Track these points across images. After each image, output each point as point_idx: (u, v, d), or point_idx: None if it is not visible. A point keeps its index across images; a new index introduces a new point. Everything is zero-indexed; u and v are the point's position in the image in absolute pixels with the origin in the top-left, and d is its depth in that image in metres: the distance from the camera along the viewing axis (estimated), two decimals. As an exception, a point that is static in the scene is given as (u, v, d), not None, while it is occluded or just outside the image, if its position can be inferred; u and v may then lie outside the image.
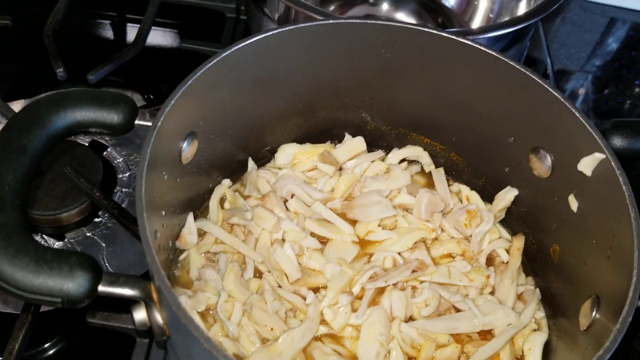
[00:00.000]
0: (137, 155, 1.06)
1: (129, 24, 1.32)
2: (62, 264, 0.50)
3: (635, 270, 0.53)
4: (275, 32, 0.67)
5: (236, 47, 0.65)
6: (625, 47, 1.37)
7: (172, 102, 0.60)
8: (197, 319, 0.63)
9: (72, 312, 0.85)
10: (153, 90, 1.19)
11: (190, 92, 0.62)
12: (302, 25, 0.68)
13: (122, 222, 0.91)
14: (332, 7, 1.13)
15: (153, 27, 1.15)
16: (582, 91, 1.31)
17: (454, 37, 0.71)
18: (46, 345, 0.84)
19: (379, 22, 0.70)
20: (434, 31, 0.71)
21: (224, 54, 0.65)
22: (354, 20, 0.69)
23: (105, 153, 1.06)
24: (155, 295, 0.53)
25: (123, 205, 0.95)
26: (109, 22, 1.32)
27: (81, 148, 1.04)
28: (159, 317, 0.54)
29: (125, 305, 0.83)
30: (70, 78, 1.09)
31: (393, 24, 0.70)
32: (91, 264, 0.51)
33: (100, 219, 0.98)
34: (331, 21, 0.69)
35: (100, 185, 0.96)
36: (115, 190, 1.02)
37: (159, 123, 0.58)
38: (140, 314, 0.54)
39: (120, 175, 1.04)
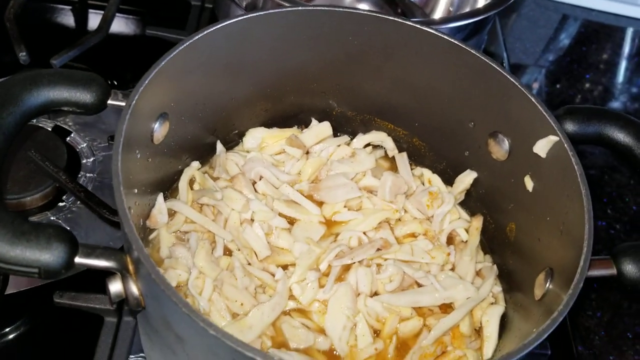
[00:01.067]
0: (100, 141, 1.06)
1: (90, 10, 1.32)
2: (40, 235, 0.51)
3: (586, 242, 0.57)
4: (245, 17, 0.69)
5: (207, 31, 0.67)
6: (577, 42, 1.44)
7: (146, 82, 0.61)
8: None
9: (38, 293, 0.85)
10: (117, 77, 1.19)
11: (162, 73, 0.64)
12: (272, 11, 0.70)
13: (89, 205, 0.92)
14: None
15: (117, 14, 1.16)
16: (535, 84, 1.37)
17: (418, 26, 0.74)
18: (12, 327, 0.84)
19: (347, 9, 0.72)
20: (399, 20, 0.75)
21: (196, 37, 0.66)
22: (323, 8, 0.71)
23: (68, 138, 1.06)
24: (131, 267, 0.54)
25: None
26: (70, 7, 1.31)
27: (44, 132, 1.04)
28: (134, 288, 0.55)
29: (93, 284, 0.85)
30: (32, 63, 1.09)
31: (360, 11, 0.73)
32: (68, 236, 0.53)
33: (64, 203, 0.98)
34: (300, 8, 0.71)
35: (65, 169, 0.97)
36: (80, 175, 1.02)
37: (133, 102, 0.60)
38: (115, 286, 0.55)
39: (84, 161, 1.04)
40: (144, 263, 0.49)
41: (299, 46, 0.76)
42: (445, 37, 0.73)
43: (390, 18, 0.74)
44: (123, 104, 0.64)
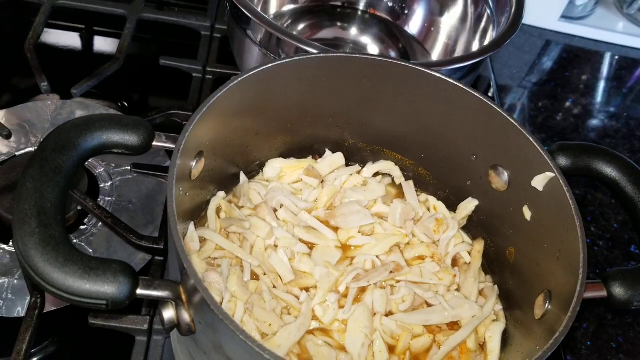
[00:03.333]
0: (116, 165, 1.12)
1: (96, 37, 1.38)
2: (107, 271, 0.58)
3: (581, 269, 0.65)
4: (274, 64, 0.76)
5: (241, 78, 0.74)
6: (560, 68, 1.53)
7: (190, 128, 0.68)
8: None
9: (67, 314, 0.91)
10: (127, 100, 1.25)
11: (202, 118, 0.70)
12: (297, 58, 0.77)
13: (116, 230, 0.97)
14: (302, 27, 1.23)
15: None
16: (519, 104, 1.46)
17: (425, 70, 0.82)
18: (45, 344, 0.90)
19: (364, 55, 0.80)
20: (407, 64, 0.82)
21: (232, 84, 0.73)
22: (343, 54, 0.79)
23: (86, 164, 1.12)
24: (184, 296, 0.61)
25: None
26: (78, 34, 1.37)
27: (66, 159, 1.10)
28: (186, 316, 0.62)
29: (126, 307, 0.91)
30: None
31: (375, 57, 0.80)
32: (131, 271, 0.59)
33: (86, 226, 1.04)
34: (323, 55, 0.78)
35: (87, 194, 1.02)
36: (99, 199, 1.08)
37: (182, 146, 0.66)
38: (169, 313, 0.62)
39: (102, 185, 1.10)
40: (201, 293, 0.56)
41: (318, 87, 0.83)
42: (449, 80, 0.81)
43: (400, 63, 0.82)
44: (166, 145, 0.71)
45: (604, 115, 1.49)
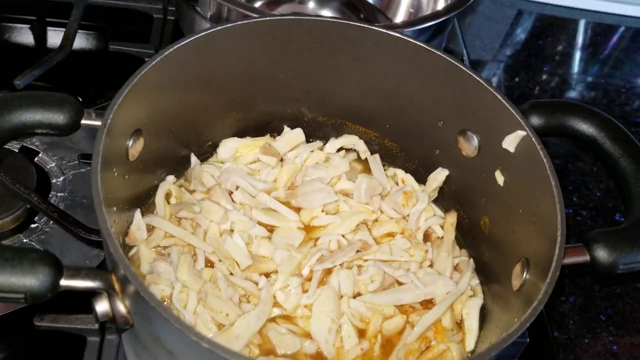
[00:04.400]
0: (69, 159, 1.05)
1: (49, 28, 1.30)
2: (23, 260, 0.51)
3: (559, 232, 0.59)
4: (213, 30, 0.70)
5: (177, 46, 0.67)
6: (533, 36, 1.48)
7: (119, 100, 0.61)
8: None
9: (17, 318, 0.84)
10: (81, 93, 1.18)
11: (135, 90, 0.64)
12: (240, 22, 0.71)
13: (64, 225, 0.91)
14: (258, 4, 1.17)
15: (78, 30, 1.15)
16: (495, 79, 1.40)
17: (383, 30, 0.76)
18: (-7, 354, 0.83)
19: (314, 17, 0.74)
20: (365, 25, 0.76)
21: (167, 52, 0.67)
22: (290, 17, 0.72)
23: (36, 159, 1.05)
24: (117, 286, 0.54)
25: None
26: (28, 26, 1.30)
27: (12, 155, 1.02)
28: (121, 307, 0.55)
29: (73, 306, 0.84)
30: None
31: (327, 19, 0.74)
32: (52, 259, 0.52)
33: (37, 224, 0.97)
34: (268, 18, 0.72)
35: (35, 190, 0.95)
36: (51, 195, 1.01)
37: (109, 121, 0.60)
38: (102, 306, 0.55)
39: (54, 180, 1.03)
40: (131, 282, 0.49)
41: (268, 55, 0.77)
42: (410, 39, 0.75)
43: (356, 24, 0.76)
44: (97, 123, 0.64)
45: (582, 84, 1.44)
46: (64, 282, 0.53)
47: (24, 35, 1.28)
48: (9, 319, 0.84)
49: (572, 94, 1.41)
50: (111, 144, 0.62)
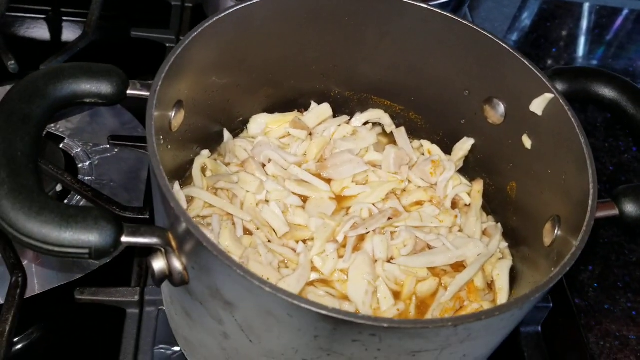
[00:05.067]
0: (94, 144, 1.07)
1: (64, 18, 1.33)
2: (87, 217, 0.53)
3: (591, 185, 0.62)
4: (249, 3, 0.72)
5: (216, 17, 0.70)
6: (541, 19, 1.51)
7: (165, 71, 0.63)
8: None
9: (58, 295, 0.86)
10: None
11: (177, 63, 0.66)
12: (274, -5, 0.73)
13: (98, 203, 0.93)
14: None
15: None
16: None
17: (412, 2, 0.78)
18: (34, 328, 0.85)
19: (344, -10, 0.76)
20: (391, -2, 0.79)
21: (207, 24, 0.69)
22: (322, -11, 0.75)
23: (62, 145, 1.07)
24: (174, 242, 0.56)
25: (92, 189, 0.96)
26: (44, 17, 1.32)
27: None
28: (178, 264, 0.57)
29: (113, 279, 0.86)
30: (20, 71, 1.09)
31: (356, -9, 0.76)
32: (113, 217, 0.55)
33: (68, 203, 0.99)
34: (301, -9, 0.74)
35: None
36: (79, 179, 1.03)
37: (157, 89, 0.62)
38: (159, 263, 0.57)
39: (80, 165, 1.06)
40: (194, 233, 0.51)
41: (298, 30, 0.79)
42: (436, 10, 0.77)
43: (384, -3, 0.78)
44: (143, 93, 0.66)
45: (588, 66, 1.47)
46: (125, 239, 0.55)
47: (40, 27, 1.30)
48: (50, 295, 0.86)
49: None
50: (158, 113, 0.64)
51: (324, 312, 0.49)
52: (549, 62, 1.46)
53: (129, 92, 0.66)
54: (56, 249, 0.53)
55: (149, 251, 0.58)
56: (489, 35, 0.75)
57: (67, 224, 0.53)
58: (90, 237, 0.53)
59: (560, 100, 0.69)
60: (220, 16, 0.71)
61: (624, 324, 0.97)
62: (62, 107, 0.63)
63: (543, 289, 0.54)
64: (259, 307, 0.53)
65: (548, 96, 0.71)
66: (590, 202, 0.61)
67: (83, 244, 0.53)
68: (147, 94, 0.64)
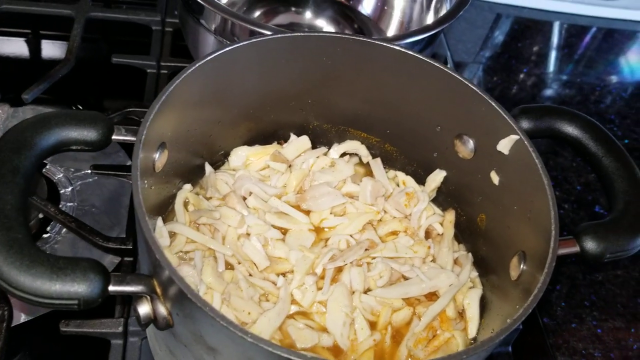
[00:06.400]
0: (75, 169, 1.09)
1: (44, 41, 1.34)
2: (76, 269, 0.56)
3: (553, 226, 0.66)
4: (233, 47, 0.75)
5: (199, 63, 0.72)
6: (512, 39, 1.55)
7: (151, 117, 0.66)
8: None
9: (40, 324, 0.88)
10: (82, 104, 1.22)
11: (163, 107, 0.69)
12: (256, 39, 0.76)
13: (81, 233, 0.95)
14: (257, 14, 1.22)
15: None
16: (475, 80, 1.47)
17: (383, 44, 0.81)
18: (21, 355, 0.87)
19: (322, 34, 0.79)
20: (365, 39, 0.82)
21: (190, 70, 0.71)
22: (301, 34, 0.78)
23: (44, 170, 1.08)
24: (159, 289, 0.59)
25: (74, 218, 0.98)
26: (24, 39, 1.33)
27: (22, 167, 1.06)
28: (162, 309, 0.60)
29: (96, 311, 0.88)
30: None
31: (333, 35, 0.80)
32: (100, 267, 0.57)
33: (49, 234, 1.01)
34: (280, 35, 0.77)
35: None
36: (60, 205, 1.04)
37: (143, 136, 0.64)
38: (144, 309, 0.60)
39: (62, 191, 1.07)
40: (177, 283, 0.54)
41: (279, 69, 0.82)
42: (409, 52, 0.81)
43: (359, 38, 0.82)
44: (127, 138, 0.69)
45: (558, 83, 1.52)
46: (112, 288, 0.57)
47: (20, 49, 1.31)
48: (32, 325, 0.88)
49: (549, 92, 1.48)
50: (142, 158, 0.66)
51: (303, 360, 0.52)
52: (521, 76, 1.51)
53: (114, 137, 0.69)
54: (46, 300, 0.55)
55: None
56: (458, 77, 0.78)
57: (57, 276, 0.55)
58: (78, 288, 0.56)
59: (525, 142, 0.73)
60: (204, 61, 0.73)
61: (589, 342, 1.01)
62: (50, 155, 0.66)
63: (507, 331, 0.58)
64: (240, 354, 0.56)
65: (513, 137, 0.75)
66: (552, 243, 0.65)
67: (72, 296, 0.55)
68: (133, 138, 0.67)
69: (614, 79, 1.55)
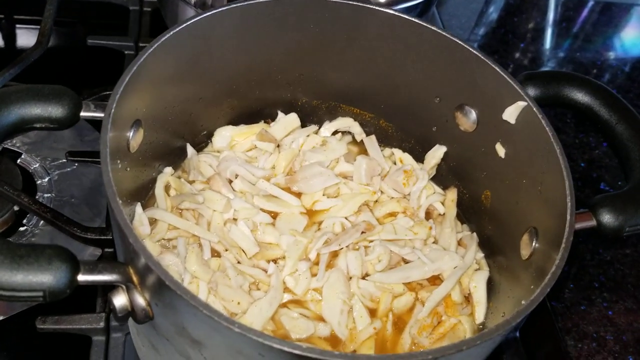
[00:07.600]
0: (52, 159, 1.03)
1: (18, 26, 1.27)
2: (39, 257, 0.50)
3: (569, 197, 0.60)
4: (208, 13, 0.69)
5: (173, 31, 0.66)
6: (507, 13, 1.50)
7: (120, 90, 0.60)
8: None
9: (19, 321, 0.82)
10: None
11: (133, 80, 0.62)
12: (233, 5, 0.70)
13: (58, 224, 0.88)
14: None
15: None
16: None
17: (376, 8, 0.75)
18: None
19: (308, -3, 0.73)
20: (358, 3, 0.76)
21: (163, 39, 0.65)
22: (286, -3, 0.71)
23: (19, 160, 1.02)
24: (135, 278, 0.53)
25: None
26: (-4, 24, 1.26)
27: (-6, 157, 1.00)
28: (141, 300, 0.54)
29: (76, 305, 0.82)
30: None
31: (321, -1, 0.73)
32: (68, 254, 0.51)
33: (25, 227, 0.95)
34: (262, 0, 0.71)
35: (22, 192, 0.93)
36: (37, 196, 0.98)
37: (112, 111, 0.58)
38: (120, 300, 0.54)
39: (39, 181, 1.01)
40: (155, 271, 0.48)
41: (261, 38, 0.76)
42: (402, 15, 0.75)
43: (350, 2, 0.75)
44: (97, 114, 0.62)
45: (556, 59, 1.46)
46: (81, 277, 0.51)
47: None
48: (10, 322, 0.82)
49: (547, 68, 1.43)
50: (114, 136, 0.60)
51: (297, 351, 0.46)
52: (517, 55, 1.45)
53: (82, 114, 0.62)
54: (7, 293, 0.49)
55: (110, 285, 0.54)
56: (458, 41, 0.72)
57: (18, 265, 0.49)
58: (43, 278, 0.49)
59: (534, 109, 0.67)
60: (179, 28, 0.67)
61: (600, 325, 0.96)
62: (10, 135, 0.59)
63: (525, 312, 0.52)
64: (228, 346, 0.50)
65: (521, 104, 0.69)
66: (568, 216, 0.59)
67: (36, 287, 0.49)
68: (102, 115, 0.60)
69: (613, 53, 1.50)
